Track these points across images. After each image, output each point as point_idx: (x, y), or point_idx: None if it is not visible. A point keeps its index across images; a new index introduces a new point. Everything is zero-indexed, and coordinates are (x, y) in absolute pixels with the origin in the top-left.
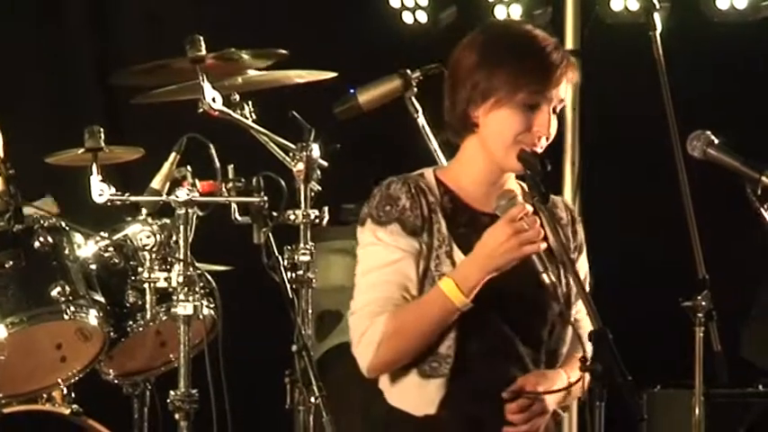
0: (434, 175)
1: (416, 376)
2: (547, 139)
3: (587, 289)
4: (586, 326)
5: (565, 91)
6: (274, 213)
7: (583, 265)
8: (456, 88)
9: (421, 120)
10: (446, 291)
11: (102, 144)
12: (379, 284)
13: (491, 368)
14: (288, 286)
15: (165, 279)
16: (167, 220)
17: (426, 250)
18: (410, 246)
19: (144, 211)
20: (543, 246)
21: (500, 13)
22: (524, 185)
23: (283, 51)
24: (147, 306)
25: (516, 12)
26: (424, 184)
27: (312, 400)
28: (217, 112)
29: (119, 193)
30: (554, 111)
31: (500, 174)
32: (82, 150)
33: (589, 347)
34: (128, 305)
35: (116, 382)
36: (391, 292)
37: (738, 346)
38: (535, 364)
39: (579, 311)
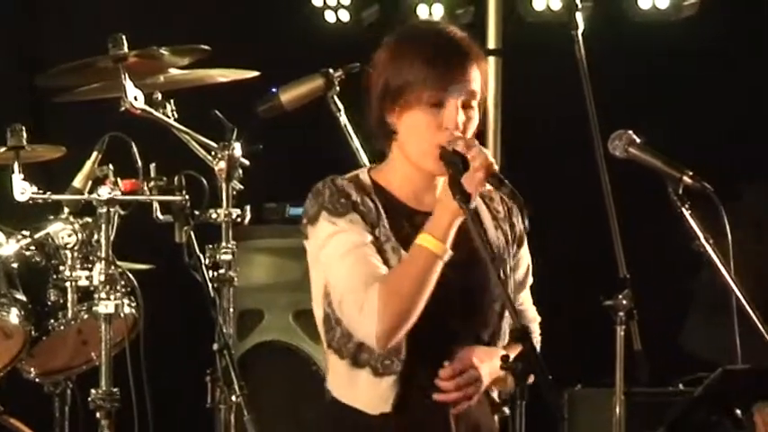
0: (369, 176)
1: (370, 374)
2: (463, 134)
3: (530, 281)
4: (531, 316)
5: (479, 83)
6: (196, 212)
7: (525, 257)
8: (369, 91)
9: (343, 118)
10: (425, 244)
11: (24, 142)
12: (359, 263)
13: (438, 364)
14: (209, 285)
15: (87, 278)
16: (89, 219)
17: (378, 244)
18: (368, 236)
19: (66, 209)
20: (494, 165)
21: (422, 12)
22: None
23: (205, 47)
24: (69, 304)
25: (438, 11)
26: (363, 184)
27: (233, 398)
28: (139, 111)
29: (40, 191)
30: (468, 105)
31: (430, 176)
32: (4, 149)
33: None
34: (49, 303)
35: (37, 380)
36: (374, 265)
37: (671, 343)
38: None
39: (523, 302)
